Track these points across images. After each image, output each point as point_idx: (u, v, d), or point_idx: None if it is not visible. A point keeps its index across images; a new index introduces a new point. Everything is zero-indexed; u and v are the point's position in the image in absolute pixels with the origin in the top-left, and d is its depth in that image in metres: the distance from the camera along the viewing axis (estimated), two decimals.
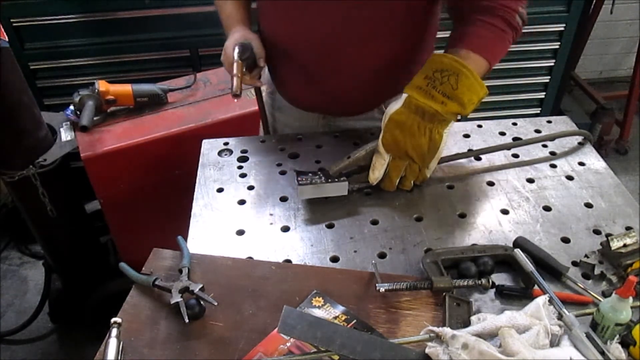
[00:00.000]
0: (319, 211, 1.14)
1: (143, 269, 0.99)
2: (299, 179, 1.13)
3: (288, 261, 1.03)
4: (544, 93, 2.90)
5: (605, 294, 0.93)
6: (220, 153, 1.33)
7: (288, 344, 0.84)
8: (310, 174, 1.15)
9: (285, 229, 1.10)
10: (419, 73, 1.10)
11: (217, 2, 1.40)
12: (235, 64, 1.24)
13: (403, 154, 1.12)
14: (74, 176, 2.00)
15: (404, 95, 1.10)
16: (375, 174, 1.14)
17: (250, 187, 1.22)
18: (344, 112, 1.42)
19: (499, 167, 1.26)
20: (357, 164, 1.17)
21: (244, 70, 1.26)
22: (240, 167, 1.28)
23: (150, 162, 1.89)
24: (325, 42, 1.24)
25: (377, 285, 0.90)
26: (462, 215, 1.13)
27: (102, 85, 1.88)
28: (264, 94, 1.50)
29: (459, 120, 1.17)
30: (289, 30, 1.28)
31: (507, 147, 1.30)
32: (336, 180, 1.14)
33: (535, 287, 0.91)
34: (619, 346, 0.78)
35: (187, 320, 0.86)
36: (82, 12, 2.30)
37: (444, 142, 1.11)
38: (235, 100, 1.30)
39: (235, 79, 1.23)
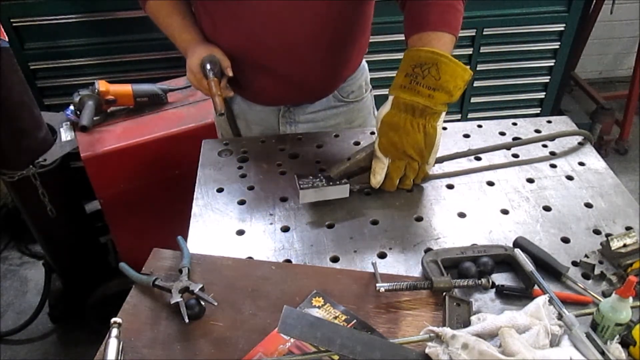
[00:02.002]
0: (319, 211, 1.14)
1: (143, 269, 0.98)
2: (300, 182, 1.13)
3: (288, 261, 1.03)
4: (544, 93, 2.90)
5: (605, 294, 0.93)
6: (220, 153, 1.33)
7: (288, 344, 0.84)
8: (311, 177, 1.14)
9: (285, 229, 1.10)
10: (399, 72, 1.10)
11: (159, 21, 1.42)
12: (212, 83, 1.26)
13: (401, 154, 1.12)
14: (74, 176, 2.00)
15: (391, 97, 1.11)
16: (377, 178, 1.15)
17: (250, 187, 1.22)
18: (306, 99, 1.44)
19: (499, 167, 1.26)
20: (357, 165, 1.17)
21: (214, 77, 1.27)
22: (240, 167, 1.28)
23: (150, 162, 1.89)
24: (277, 38, 1.26)
25: (377, 285, 0.90)
26: (462, 215, 1.13)
27: (102, 85, 1.88)
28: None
29: (458, 120, 1.18)
30: (240, 30, 1.28)
31: (506, 146, 1.30)
32: (338, 183, 1.14)
33: (535, 287, 0.91)
34: (619, 346, 0.78)
35: (187, 320, 0.86)
36: (82, 12, 2.30)
37: (439, 134, 1.11)
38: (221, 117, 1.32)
39: (216, 98, 1.25)
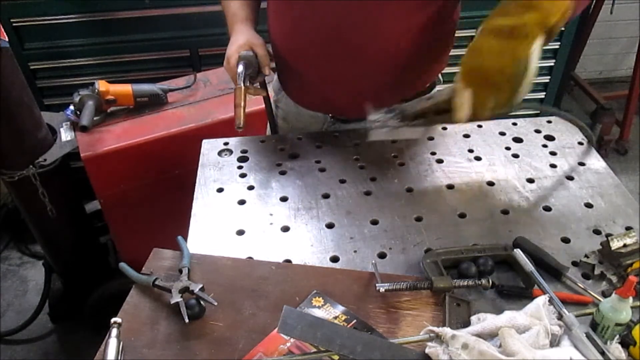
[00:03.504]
0: (319, 211, 1.14)
1: (143, 269, 0.99)
2: (372, 118, 1.07)
3: (288, 261, 1.03)
4: (544, 93, 2.90)
5: (605, 294, 0.93)
6: (220, 153, 1.33)
7: (288, 344, 0.84)
8: (383, 113, 1.07)
9: (285, 229, 1.10)
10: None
11: (223, 1, 1.35)
12: (237, 91, 1.17)
13: (486, 82, 0.96)
14: (74, 176, 2.00)
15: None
16: (463, 112, 0.98)
17: (250, 187, 1.21)
18: (358, 114, 1.32)
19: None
20: (437, 106, 1.04)
21: (247, 83, 1.20)
22: (240, 167, 1.28)
23: (150, 162, 1.89)
24: (340, 37, 1.19)
25: (377, 285, 0.90)
26: (462, 215, 1.13)
27: (102, 85, 1.88)
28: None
29: None
30: (295, 27, 1.24)
31: None
32: (411, 123, 1.06)
33: (535, 287, 0.91)
34: (619, 346, 0.78)
35: (187, 320, 0.86)
36: (82, 12, 2.30)
37: (534, 62, 0.94)
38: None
39: (238, 110, 1.16)
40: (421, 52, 1.26)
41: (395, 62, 1.25)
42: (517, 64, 0.92)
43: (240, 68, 1.20)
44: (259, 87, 1.31)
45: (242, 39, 1.24)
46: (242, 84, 1.18)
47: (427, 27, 1.21)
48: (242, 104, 1.17)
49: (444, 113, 1.04)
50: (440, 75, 1.43)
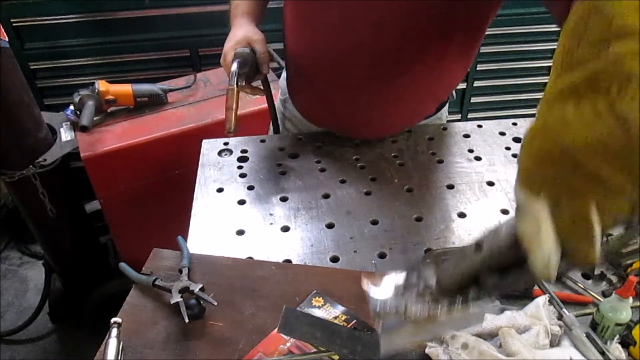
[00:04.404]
0: (319, 211, 1.14)
1: (143, 269, 0.99)
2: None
3: (288, 261, 1.03)
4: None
5: (605, 294, 0.93)
6: (220, 153, 1.33)
7: (288, 344, 0.84)
8: (397, 292, 0.61)
9: (285, 229, 1.10)
10: None
11: None
12: (228, 92, 1.10)
13: (578, 175, 0.49)
14: (74, 176, 2.00)
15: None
16: (542, 256, 0.50)
17: (250, 187, 1.21)
18: (368, 134, 1.31)
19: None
20: (493, 261, 0.55)
21: (242, 83, 1.13)
22: (240, 167, 1.28)
23: (150, 162, 1.89)
24: (359, 64, 1.10)
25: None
26: (462, 215, 1.13)
27: (102, 85, 1.89)
28: (276, 101, 1.45)
29: (458, 120, 1.16)
30: (313, 40, 1.16)
31: None
32: (451, 304, 0.58)
33: (535, 287, 0.91)
34: (619, 346, 0.78)
35: (187, 320, 0.86)
36: (82, 12, 2.29)
37: None
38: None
39: (229, 112, 1.09)
40: (439, 75, 1.20)
41: (415, 86, 1.19)
42: (626, 127, 0.47)
43: (234, 67, 1.12)
44: (258, 86, 1.28)
45: (240, 34, 1.18)
46: (234, 85, 1.10)
47: (447, 53, 1.13)
48: (234, 106, 1.09)
49: (507, 270, 0.54)
50: (454, 92, 1.38)
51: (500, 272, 0.54)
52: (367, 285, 0.63)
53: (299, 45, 1.22)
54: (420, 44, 1.09)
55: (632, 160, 0.47)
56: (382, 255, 1.04)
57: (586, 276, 0.98)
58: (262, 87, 1.30)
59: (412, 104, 1.27)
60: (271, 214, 1.14)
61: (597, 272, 0.97)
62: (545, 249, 0.49)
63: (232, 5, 1.27)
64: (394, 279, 0.62)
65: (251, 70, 1.17)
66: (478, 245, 0.56)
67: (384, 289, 0.61)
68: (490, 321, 0.82)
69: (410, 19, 1.04)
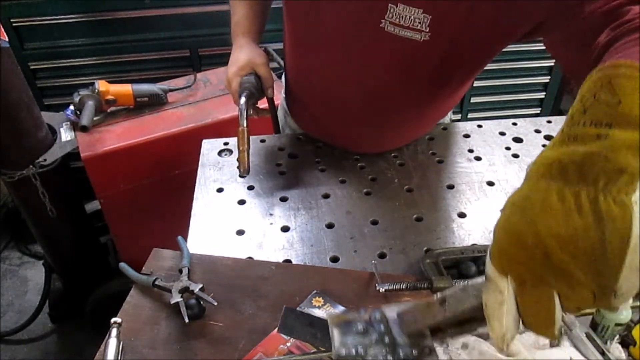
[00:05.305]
0: (319, 211, 1.14)
1: (143, 269, 0.98)
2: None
3: (288, 261, 1.03)
4: (544, 93, 2.90)
5: None
6: (220, 153, 1.33)
7: (288, 344, 0.84)
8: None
9: (285, 229, 1.10)
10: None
11: (232, 2, 1.27)
12: (242, 134, 1.07)
13: (539, 264, 0.49)
14: (74, 176, 2.00)
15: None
16: (497, 331, 0.52)
17: (250, 187, 1.22)
18: (363, 151, 1.33)
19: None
20: (456, 319, 0.59)
21: (250, 112, 1.12)
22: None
23: (150, 162, 1.89)
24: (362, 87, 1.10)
25: (377, 285, 0.90)
26: (462, 215, 1.13)
27: (102, 85, 1.89)
28: (279, 97, 1.45)
29: (458, 120, 1.16)
30: (308, 72, 1.16)
31: None
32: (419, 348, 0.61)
33: None
34: (619, 346, 0.78)
35: (187, 320, 0.86)
36: (82, 12, 2.30)
37: (638, 220, 0.46)
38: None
39: (242, 155, 1.08)
40: (439, 104, 1.22)
41: (412, 116, 1.22)
42: (607, 227, 0.46)
43: (242, 102, 1.10)
44: (265, 107, 1.28)
45: (243, 58, 1.17)
46: (244, 125, 1.08)
47: (446, 89, 1.15)
48: (246, 146, 1.08)
49: (469, 323, 0.59)
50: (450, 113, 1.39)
51: (462, 323, 0.59)
52: (330, 326, 0.64)
53: (295, 70, 1.24)
54: (419, 86, 1.10)
55: (600, 264, 0.46)
56: (382, 255, 1.04)
57: None
58: (267, 108, 1.31)
59: (411, 130, 1.30)
60: (271, 214, 1.14)
61: None
62: (504, 324, 0.52)
63: (233, 22, 1.25)
64: (358, 318, 0.64)
65: (257, 93, 1.18)
66: (443, 301, 0.60)
67: (346, 328, 0.63)
68: None
69: (409, 64, 1.04)
